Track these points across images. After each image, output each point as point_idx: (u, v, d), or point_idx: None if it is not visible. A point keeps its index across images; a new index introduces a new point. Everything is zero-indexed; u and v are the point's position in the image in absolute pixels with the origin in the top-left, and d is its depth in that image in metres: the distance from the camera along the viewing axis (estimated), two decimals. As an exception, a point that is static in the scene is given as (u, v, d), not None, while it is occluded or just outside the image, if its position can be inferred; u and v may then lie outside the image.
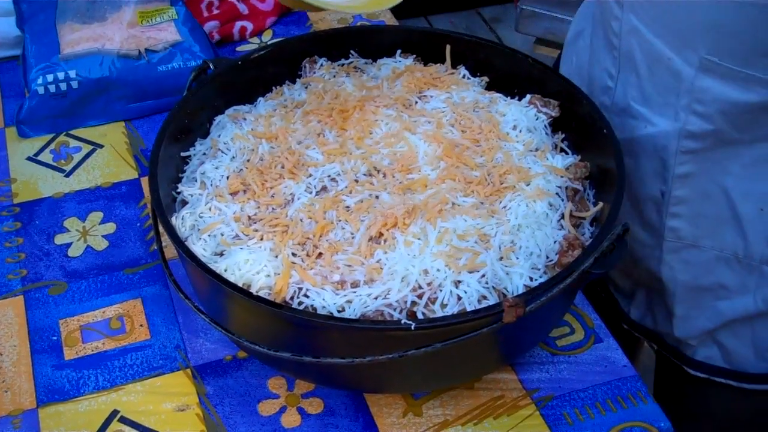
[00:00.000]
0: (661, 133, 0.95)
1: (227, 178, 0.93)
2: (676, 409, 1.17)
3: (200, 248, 0.87)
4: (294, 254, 0.85)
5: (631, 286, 1.12)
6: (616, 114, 1.01)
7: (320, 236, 0.86)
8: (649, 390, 0.92)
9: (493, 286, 0.81)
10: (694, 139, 0.93)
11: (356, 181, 0.92)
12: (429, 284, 0.81)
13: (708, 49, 0.86)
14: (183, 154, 0.99)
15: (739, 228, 0.95)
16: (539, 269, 0.84)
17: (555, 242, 0.87)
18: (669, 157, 0.95)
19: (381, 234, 0.85)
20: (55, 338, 0.97)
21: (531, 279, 0.83)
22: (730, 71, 0.86)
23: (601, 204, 0.91)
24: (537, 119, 1.00)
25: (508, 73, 1.06)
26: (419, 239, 0.84)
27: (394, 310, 0.80)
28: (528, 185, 0.91)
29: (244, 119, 1.01)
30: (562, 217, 0.90)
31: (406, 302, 0.80)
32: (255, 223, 0.89)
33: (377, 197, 0.90)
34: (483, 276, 0.81)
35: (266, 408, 0.90)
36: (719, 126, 0.90)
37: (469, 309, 0.80)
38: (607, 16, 0.97)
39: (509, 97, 1.04)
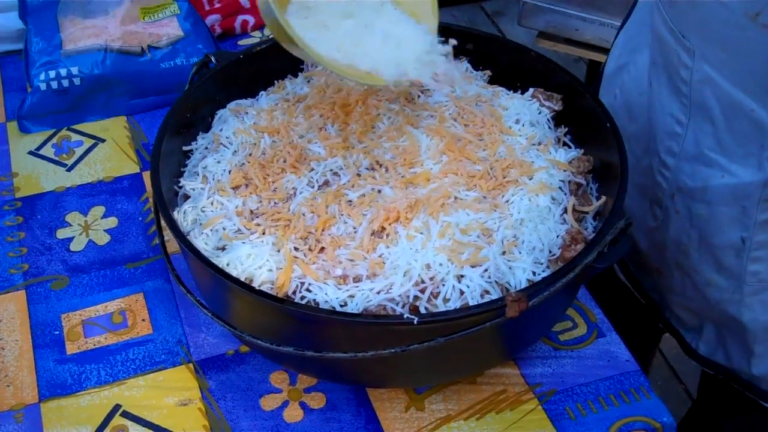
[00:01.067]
0: (743, 184, 0.92)
1: (229, 172, 0.93)
2: None
3: (202, 243, 0.87)
4: (296, 248, 0.84)
5: (698, 322, 1.09)
6: (685, 161, 0.98)
7: (322, 230, 0.86)
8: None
9: (495, 281, 0.81)
10: None
11: (358, 175, 0.91)
12: (431, 279, 0.81)
13: None
14: (185, 148, 0.99)
15: None
16: (542, 264, 0.84)
17: (558, 236, 0.87)
18: (751, 205, 0.93)
19: (383, 228, 0.85)
20: (57, 333, 0.97)
21: (534, 273, 0.83)
22: None
23: (604, 198, 0.91)
24: (540, 113, 1.00)
25: (511, 67, 1.05)
26: (422, 233, 0.84)
27: (397, 304, 0.80)
28: (531, 179, 0.91)
29: (246, 113, 1.01)
30: (565, 211, 0.89)
31: (408, 297, 0.80)
32: (257, 217, 0.88)
33: (379, 191, 0.89)
34: (486, 270, 0.81)
35: (268, 402, 0.90)
36: None
37: (471, 303, 0.79)
38: (674, 61, 0.93)
39: (512, 91, 1.04)
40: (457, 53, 1.08)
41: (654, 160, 1.01)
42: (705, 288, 1.02)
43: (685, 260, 1.03)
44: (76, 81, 1.19)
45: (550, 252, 0.85)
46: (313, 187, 0.91)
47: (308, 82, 1.05)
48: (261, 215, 0.88)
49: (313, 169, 0.92)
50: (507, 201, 0.88)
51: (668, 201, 1.02)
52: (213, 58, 1.02)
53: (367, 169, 0.92)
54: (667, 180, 1.01)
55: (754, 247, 0.95)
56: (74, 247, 1.06)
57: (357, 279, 0.82)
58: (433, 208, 0.86)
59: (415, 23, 0.93)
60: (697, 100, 0.92)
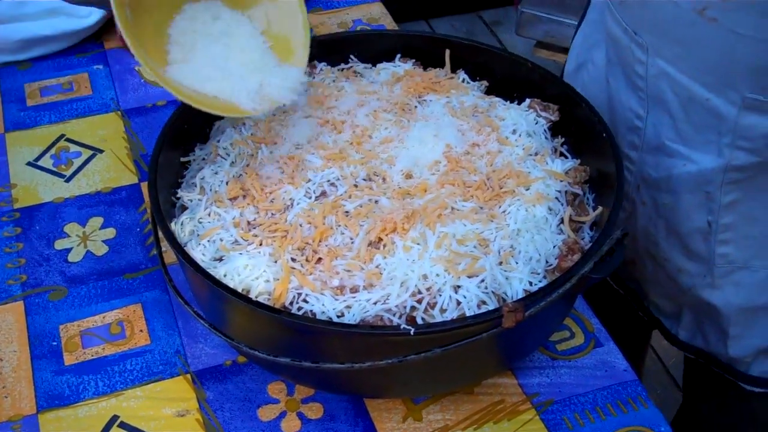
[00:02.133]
0: (705, 170, 0.95)
1: (226, 183, 0.93)
2: (726, 421, 1.17)
3: (200, 254, 0.87)
4: (293, 259, 0.85)
5: (676, 309, 1.11)
6: (648, 152, 1.00)
7: (319, 241, 0.86)
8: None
9: (492, 291, 0.81)
10: (739, 171, 0.92)
11: (355, 185, 0.91)
12: (428, 289, 0.81)
13: (750, 89, 0.86)
14: (183, 159, 0.99)
15: None
16: (539, 274, 0.84)
17: (554, 247, 0.87)
18: (714, 189, 0.95)
19: (380, 239, 0.85)
20: (55, 343, 0.97)
21: (530, 284, 0.83)
22: None
23: (600, 208, 0.91)
24: (536, 123, 1.00)
25: (508, 78, 1.06)
26: (418, 244, 0.84)
27: (394, 315, 0.80)
28: (527, 190, 0.91)
29: (244, 124, 1.01)
30: (562, 221, 0.89)
31: (405, 307, 0.80)
32: (254, 228, 0.88)
33: (376, 202, 0.90)
34: (482, 281, 0.81)
35: (266, 413, 0.90)
36: (766, 156, 0.90)
37: (468, 314, 0.79)
38: (628, 58, 0.96)
39: (509, 102, 1.04)
40: (455, 64, 1.08)
41: None
42: (677, 275, 1.04)
43: (656, 250, 1.05)
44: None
45: (546, 262, 0.86)
46: (310, 197, 0.91)
47: (306, 91, 1.05)
48: (258, 226, 0.88)
49: (309, 180, 0.92)
50: (504, 211, 0.89)
51: (634, 193, 1.04)
52: (211, 69, 1.02)
53: (364, 179, 0.92)
54: (631, 173, 1.03)
55: (720, 230, 0.97)
56: (72, 257, 1.06)
57: (354, 290, 0.82)
58: (430, 218, 0.86)
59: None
60: (653, 94, 0.95)
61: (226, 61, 0.90)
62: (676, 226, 1.01)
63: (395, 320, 0.79)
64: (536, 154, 0.97)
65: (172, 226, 0.89)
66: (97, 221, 1.11)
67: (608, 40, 1.00)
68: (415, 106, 1.02)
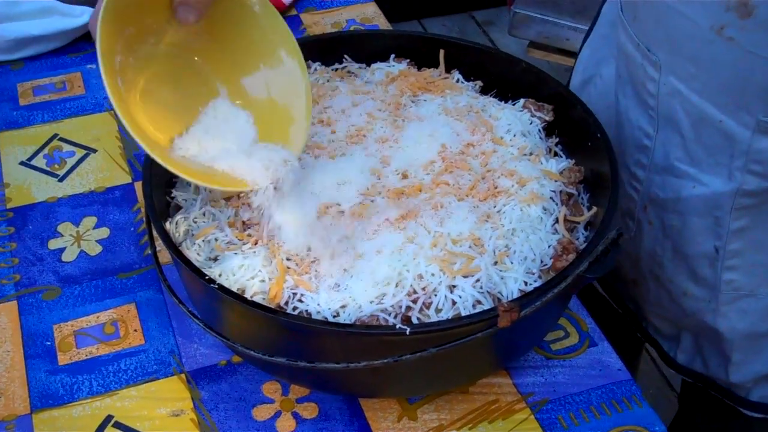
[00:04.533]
0: (714, 194, 0.93)
1: (221, 182, 0.93)
2: None
3: (194, 253, 0.87)
4: (288, 259, 0.84)
5: (675, 331, 1.10)
6: (656, 172, 0.99)
7: (315, 241, 0.86)
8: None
9: (487, 291, 0.82)
10: (750, 197, 0.91)
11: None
12: (423, 289, 0.81)
13: (765, 111, 0.84)
14: (177, 158, 0.99)
15: None
16: (534, 273, 0.84)
17: (549, 246, 0.87)
18: (723, 215, 0.93)
19: (375, 238, 0.85)
20: (48, 343, 0.97)
21: (525, 283, 0.83)
22: None
23: (595, 208, 0.91)
24: (531, 123, 1.00)
25: (502, 78, 1.06)
26: (414, 244, 0.84)
27: (389, 314, 0.80)
28: (522, 189, 0.91)
29: (239, 124, 1.01)
30: (557, 221, 0.90)
31: (400, 307, 0.80)
32: (249, 227, 0.88)
33: (372, 201, 0.90)
34: (477, 281, 0.82)
35: (261, 413, 0.90)
36: None
37: (463, 314, 0.80)
38: (640, 75, 0.94)
39: (503, 102, 1.05)
40: (449, 64, 1.08)
41: (624, 172, 1.02)
42: (681, 298, 1.03)
43: (660, 271, 1.04)
44: None
45: (541, 262, 0.86)
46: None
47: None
48: (253, 226, 0.88)
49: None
50: (498, 211, 0.89)
51: (641, 213, 1.02)
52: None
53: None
54: (638, 192, 1.01)
55: (728, 256, 0.96)
56: (66, 257, 1.06)
57: (349, 289, 0.82)
58: (425, 218, 0.86)
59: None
60: (664, 113, 0.93)
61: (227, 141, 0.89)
62: (682, 249, 1.00)
63: (391, 320, 0.79)
64: (531, 154, 0.97)
65: (167, 225, 0.89)
66: (90, 221, 1.11)
67: (619, 56, 0.98)
68: (410, 106, 1.02)
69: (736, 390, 1.06)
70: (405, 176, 0.93)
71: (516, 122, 0.99)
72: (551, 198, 0.91)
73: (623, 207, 1.05)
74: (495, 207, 0.89)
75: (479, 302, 0.81)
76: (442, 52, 1.08)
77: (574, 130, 0.98)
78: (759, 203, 0.92)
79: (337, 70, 1.09)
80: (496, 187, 0.91)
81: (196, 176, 0.83)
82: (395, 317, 0.80)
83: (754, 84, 0.83)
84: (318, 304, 0.81)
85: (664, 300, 1.06)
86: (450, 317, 0.80)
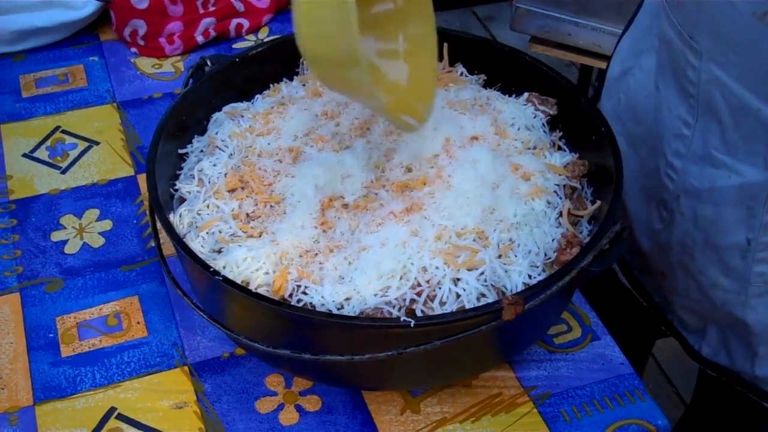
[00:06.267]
0: (749, 183, 0.92)
1: (225, 175, 0.93)
2: None
3: (198, 245, 0.87)
4: (293, 251, 0.84)
5: (701, 324, 1.09)
6: (693, 162, 0.98)
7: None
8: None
9: (491, 284, 0.82)
10: None
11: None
12: (428, 282, 0.81)
13: None
14: (180, 151, 0.99)
15: None
16: (538, 267, 0.84)
17: (553, 240, 0.87)
18: (757, 205, 0.92)
19: (379, 231, 0.85)
20: (51, 335, 0.97)
21: (530, 277, 0.83)
22: None
23: (599, 202, 0.91)
24: (535, 117, 1.00)
25: (506, 71, 1.06)
26: (418, 237, 0.84)
27: (393, 307, 0.80)
28: (526, 183, 0.91)
29: (242, 116, 1.01)
30: (561, 215, 0.90)
31: (405, 300, 0.80)
32: (253, 220, 0.88)
33: (376, 194, 0.90)
34: (482, 274, 0.82)
35: (264, 405, 0.90)
36: None
37: (468, 307, 0.80)
38: (681, 63, 0.93)
39: (507, 95, 1.04)
40: (452, 58, 1.08)
41: (660, 162, 1.02)
42: (710, 290, 1.02)
43: (690, 262, 1.03)
44: None
45: (545, 255, 0.86)
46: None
47: (303, 85, 1.05)
48: (257, 218, 0.88)
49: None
50: (503, 205, 0.89)
51: (674, 203, 1.02)
52: (208, 61, 1.02)
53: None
54: (673, 182, 1.01)
55: (759, 248, 0.95)
56: (69, 249, 1.06)
57: (353, 282, 0.82)
58: (429, 211, 0.86)
59: None
60: (704, 101, 0.93)
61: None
62: (714, 240, 0.99)
63: (395, 312, 0.79)
64: (535, 147, 0.97)
65: (171, 217, 0.89)
66: (93, 213, 1.11)
67: (661, 43, 0.97)
68: (414, 99, 1.02)
69: (761, 384, 1.05)
70: (409, 169, 0.92)
71: (520, 116, 0.99)
72: (555, 192, 0.91)
73: (657, 197, 1.05)
74: (499, 200, 0.89)
75: (483, 295, 0.81)
76: (446, 46, 1.08)
77: (577, 123, 0.98)
78: None
79: (340, 63, 1.09)
80: (500, 181, 0.91)
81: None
82: (399, 310, 0.80)
83: None
84: (322, 297, 0.81)
85: (692, 292, 1.06)
86: (454, 310, 0.80)
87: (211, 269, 0.81)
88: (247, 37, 1.40)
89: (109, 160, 1.18)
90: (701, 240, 1.00)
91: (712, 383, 1.14)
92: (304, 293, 0.81)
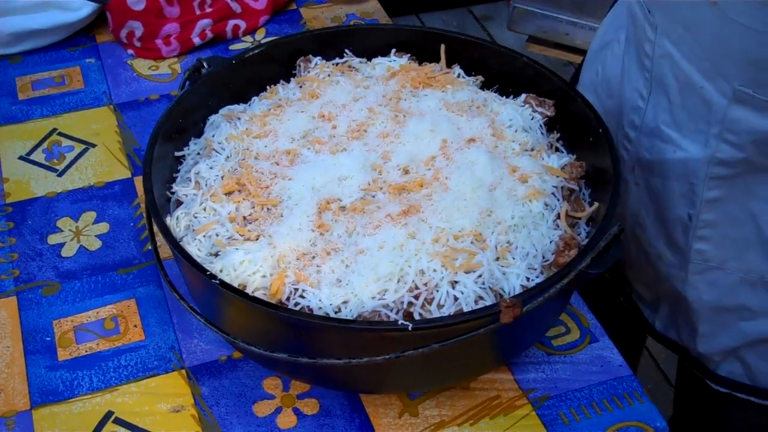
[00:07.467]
0: (691, 159, 0.94)
1: (222, 177, 0.93)
2: (697, 421, 1.17)
3: (195, 249, 0.87)
4: (290, 254, 0.84)
5: (654, 298, 1.11)
6: (644, 135, 1.00)
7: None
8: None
9: (489, 287, 0.81)
10: (724, 166, 0.92)
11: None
12: (425, 285, 0.81)
13: (742, 81, 0.85)
14: (177, 153, 0.98)
15: (765, 252, 0.95)
16: (536, 269, 0.84)
17: (551, 242, 0.87)
18: (698, 182, 0.94)
19: (377, 234, 0.85)
20: (48, 339, 0.96)
21: (528, 279, 0.83)
22: (763, 103, 0.84)
23: (596, 204, 0.91)
24: (532, 119, 1.00)
25: (503, 73, 1.06)
26: (415, 239, 0.84)
27: (391, 310, 0.80)
28: (524, 185, 0.91)
29: (239, 119, 1.00)
30: (558, 216, 0.89)
31: (402, 303, 0.80)
32: (250, 223, 0.88)
33: (373, 197, 0.89)
34: (479, 276, 0.81)
35: (262, 409, 0.90)
36: (750, 154, 0.89)
37: (465, 309, 0.79)
38: (640, 36, 0.96)
39: (504, 97, 1.04)
40: (450, 59, 1.08)
41: (618, 133, 1.04)
42: (656, 261, 1.04)
43: (642, 233, 1.06)
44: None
45: (543, 258, 0.85)
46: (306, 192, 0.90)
47: (300, 87, 1.05)
48: (254, 221, 0.88)
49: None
50: (500, 207, 0.88)
51: (629, 174, 1.04)
52: (205, 63, 1.02)
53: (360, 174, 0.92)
54: (628, 152, 1.03)
55: (699, 225, 0.97)
56: (65, 252, 1.06)
57: (351, 285, 0.81)
58: (427, 213, 0.86)
59: None
60: (657, 75, 0.95)
61: None
62: (662, 213, 1.01)
63: (392, 316, 0.79)
64: (532, 149, 0.97)
65: (168, 220, 0.89)
66: (90, 216, 1.10)
67: (628, 17, 1.00)
68: (411, 101, 1.01)
69: (705, 362, 1.07)
70: (406, 171, 0.92)
71: (517, 117, 0.99)
72: (553, 193, 0.91)
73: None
74: (496, 202, 0.89)
75: (481, 298, 0.81)
76: (443, 47, 1.08)
77: (575, 125, 0.98)
78: (732, 175, 0.92)
79: (337, 64, 1.09)
80: (497, 183, 0.90)
81: None
82: (397, 313, 0.80)
83: (733, 52, 0.84)
84: (320, 300, 0.80)
85: (642, 263, 1.08)
86: (452, 313, 0.79)
87: (208, 272, 0.80)
88: (243, 39, 1.40)
89: (105, 163, 1.17)
90: (653, 211, 1.03)
91: (684, 375, 1.15)
92: (302, 296, 0.81)
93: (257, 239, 0.86)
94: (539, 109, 1.01)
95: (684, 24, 0.88)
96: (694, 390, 1.14)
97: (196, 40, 1.35)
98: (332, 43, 1.09)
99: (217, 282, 0.79)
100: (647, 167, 1.01)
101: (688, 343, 1.07)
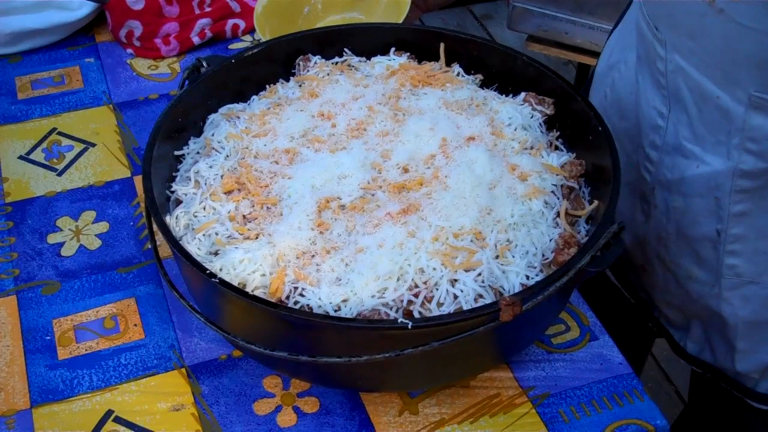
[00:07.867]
0: (715, 173, 0.93)
1: (221, 176, 0.93)
2: None
3: (195, 248, 0.87)
4: (289, 253, 0.84)
5: (685, 320, 1.09)
6: (667, 153, 0.99)
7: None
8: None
9: (489, 285, 0.81)
10: (748, 178, 0.91)
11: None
12: (425, 283, 0.81)
13: (756, 86, 0.84)
14: (176, 152, 0.98)
15: None
16: (535, 267, 0.84)
17: (551, 240, 0.87)
18: (724, 196, 0.93)
19: (376, 232, 0.85)
20: (48, 338, 0.96)
21: (527, 277, 0.83)
22: None
23: (596, 202, 0.91)
24: (532, 117, 1.00)
25: (503, 71, 1.06)
26: (415, 238, 0.84)
27: (391, 309, 0.80)
28: (523, 183, 0.91)
29: (238, 118, 1.00)
30: (558, 215, 0.89)
31: (402, 301, 0.80)
32: (250, 222, 0.88)
33: (372, 195, 0.89)
34: (479, 274, 0.81)
35: (262, 407, 0.90)
36: None
37: (465, 308, 0.79)
38: (651, 54, 0.95)
39: (504, 95, 1.04)
40: (449, 57, 1.08)
41: (639, 154, 1.02)
42: (686, 282, 1.03)
43: (666, 254, 1.04)
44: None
45: (543, 256, 0.85)
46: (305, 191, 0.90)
47: (300, 86, 1.05)
48: (254, 220, 0.88)
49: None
50: (500, 205, 0.88)
51: (650, 196, 1.03)
52: (204, 63, 1.02)
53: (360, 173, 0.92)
54: (650, 174, 1.02)
55: (729, 240, 0.96)
56: (65, 252, 1.06)
57: (350, 283, 0.81)
58: (426, 212, 0.86)
59: None
60: (673, 91, 0.94)
61: None
62: (685, 231, 0.99)
63: (392, 314, 0.79)
64: (532, 147, 0.97)
65: (167, 219, 0.89)
66: (89, 215, 1.10)
67: (638, 36, 0.99)
68: (410, 100, 1.01)
69: (744, 380, 1.05)
70: (406, 170, 0.92)
71: (517, 116, 0.99)
72: (552, 192, 0.91)
73: (639, 191, 1.05)
74: (496, 201, 0.89)
75: (481, 296, 0.81)
76: (442, 46, 1.08)
77: (574, 123, 0.98)
78: (758, 187, 0.91)
79: (337, 63, 1.09)
80: (497, 181, 0.90)
81: None
82: (397, 311, 0.80)
83: (745, 56, 0.84)
84: (319, 299, 0.80)
85: (671, 285, 1.06)
86: (452, 311, 0.79)
87: (208, 271, 0.80)
88: (243, 38, 1.40)
89: (105, 162, 1.17)
90: (674, 231, 1.01)
91: (704, 381, 1.14)
92: (301, 295, 0.81)
93: (257, 238, 0.86)
94: (539, 108, 1.01)
95: (690, 35, 0.87)
96: (730, 410, 1.12)
97: (196, 40, 1.36)
98: (331, 42, 1.09)
99: (217, 281, 0.79)
100: (667, 187, 1.00)
101: (724, 362, 1.05)
